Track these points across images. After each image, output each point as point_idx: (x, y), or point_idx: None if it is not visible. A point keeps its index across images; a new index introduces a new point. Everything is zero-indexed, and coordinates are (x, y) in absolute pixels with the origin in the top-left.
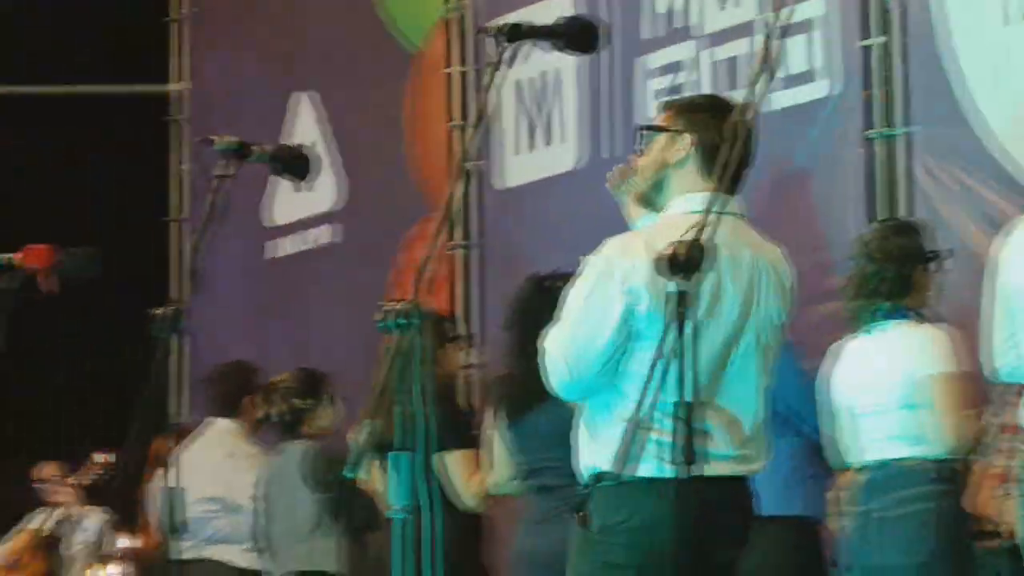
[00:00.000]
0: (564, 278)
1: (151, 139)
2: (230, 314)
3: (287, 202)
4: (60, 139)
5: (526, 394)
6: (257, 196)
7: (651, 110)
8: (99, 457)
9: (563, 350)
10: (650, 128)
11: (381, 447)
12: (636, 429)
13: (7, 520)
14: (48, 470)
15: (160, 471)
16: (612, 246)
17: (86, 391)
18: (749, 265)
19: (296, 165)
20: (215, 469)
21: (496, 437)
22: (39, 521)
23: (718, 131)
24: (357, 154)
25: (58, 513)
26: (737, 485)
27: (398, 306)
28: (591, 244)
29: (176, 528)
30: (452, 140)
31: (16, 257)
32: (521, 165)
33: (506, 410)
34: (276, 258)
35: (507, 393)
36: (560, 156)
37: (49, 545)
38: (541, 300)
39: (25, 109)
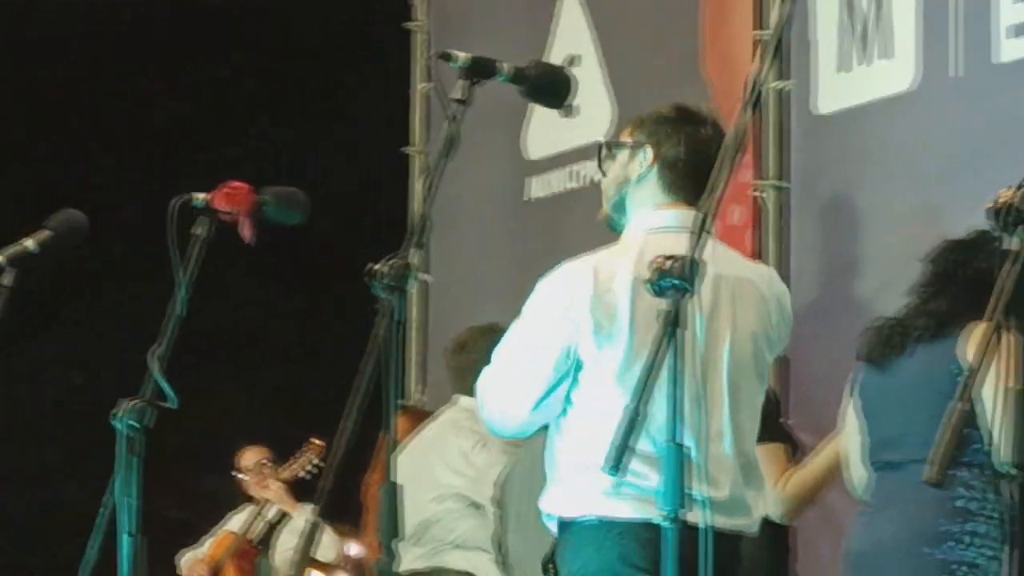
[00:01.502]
0: None
1: (392, 52)
2: (480, 267)
3: (549, 131)
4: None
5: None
6: (517, 123)
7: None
8: (316, 442)
9: (495, 385)
10: (609, 144)
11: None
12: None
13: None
14: (252, 457)
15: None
16: (557, 274)
17: (304, 363)
18: (712, 281)
19: (552, 87)
20: (460, 458)
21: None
22: (243, 522)
23: (682, 143)
24: (635, 72)
25: (265, 511)
26: (722, 541)
27: (676, 262)
28: (929, 180)
29: (398, 532)
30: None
31: (209, 198)
32: (842, 85)
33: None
34: (536, 199)
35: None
36: (892, 74)
37: (253, 551)
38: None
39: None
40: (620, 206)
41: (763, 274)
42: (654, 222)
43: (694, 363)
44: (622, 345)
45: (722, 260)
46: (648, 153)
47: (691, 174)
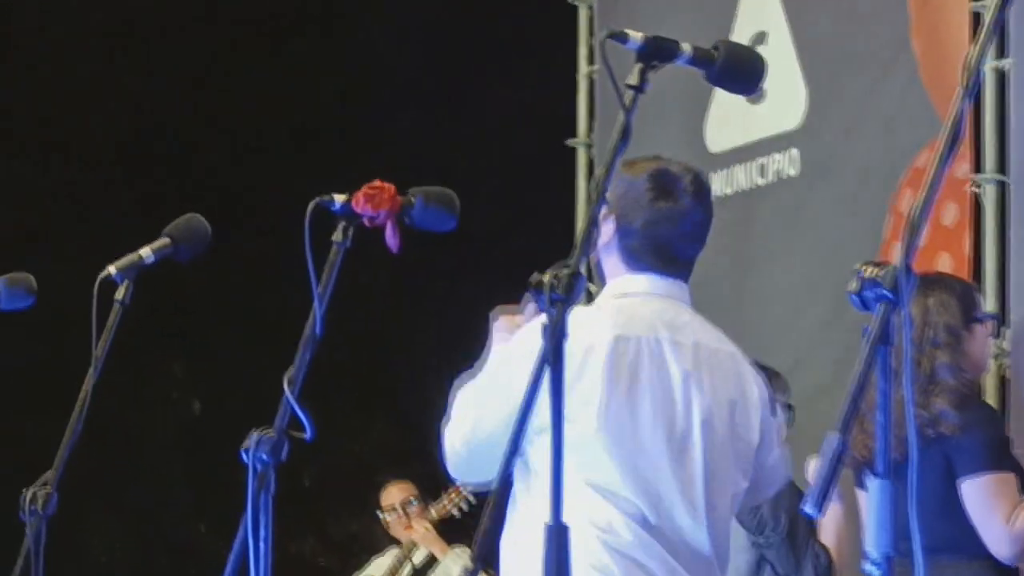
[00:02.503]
0: None
1: (553, 31)
2: None
3: (733, 120)
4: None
5: None
6: (698, 112)
7: None
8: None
9: (462, 415)
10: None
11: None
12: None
13: (348, 562)
14: (397, 494)
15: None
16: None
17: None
18: (692, 346)
19: (743, 70)
20: None
21: None
22: (387, 567)
23: (644, 221)
24: (831, 50)
25: (412, 555)
26: None
27: (881, 270)
28: None
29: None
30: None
31: (349, 200)
32: None
33: None
34: (719, 197)
35: None
36: None
37: None
38: None
39: None
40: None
41: (739, 353)
42: (625, 288)
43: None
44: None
45: (700, 329)
46: (610, 225)
47: (652, 251)
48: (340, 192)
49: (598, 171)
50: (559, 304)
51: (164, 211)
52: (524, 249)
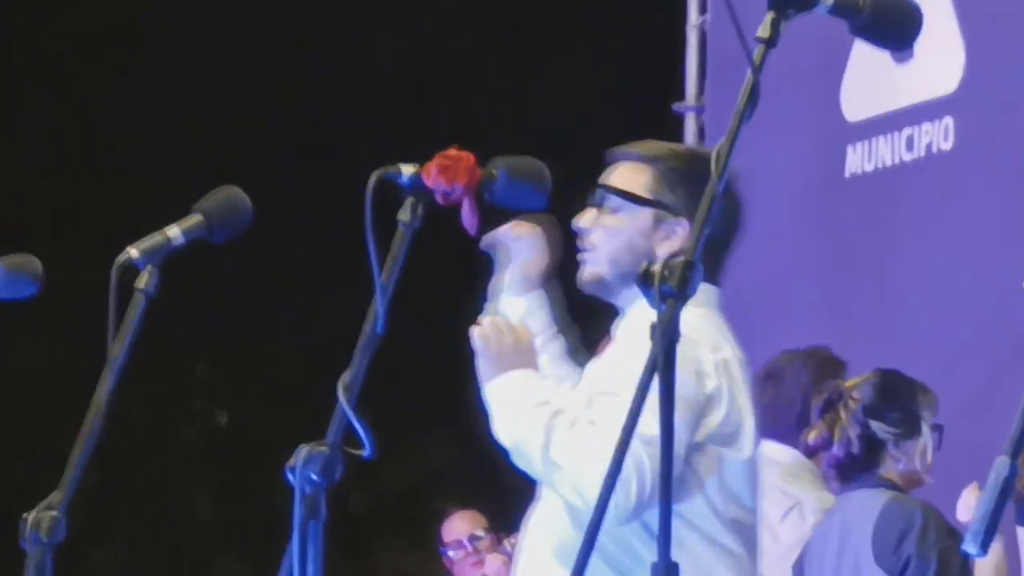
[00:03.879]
0: None
1: None
2: (783, 265)
3: (876, 83)
4: None
5: None
6: (834, 73)
7: None
8: None
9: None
10: (620, 193)
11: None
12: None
13: None
14: (462, 526)
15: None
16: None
17: None
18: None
19: (895, 22)
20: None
21: None
22: None
23: (731, 225)
24: (993, 2)
25: None
26: None
27: None
28: None
29: None
30: None
31: (419, 171)
32: None
33: None
34: (858, 174)
35: None
36: None
37: None
38: None
39: None
40: (631, 277)
41: None
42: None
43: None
44: None
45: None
46: (682, 230)
47: (714, 257)
48: (408, 162)
49: (721, 143)
50: (671, 300)
51: (200, 188)
52: None
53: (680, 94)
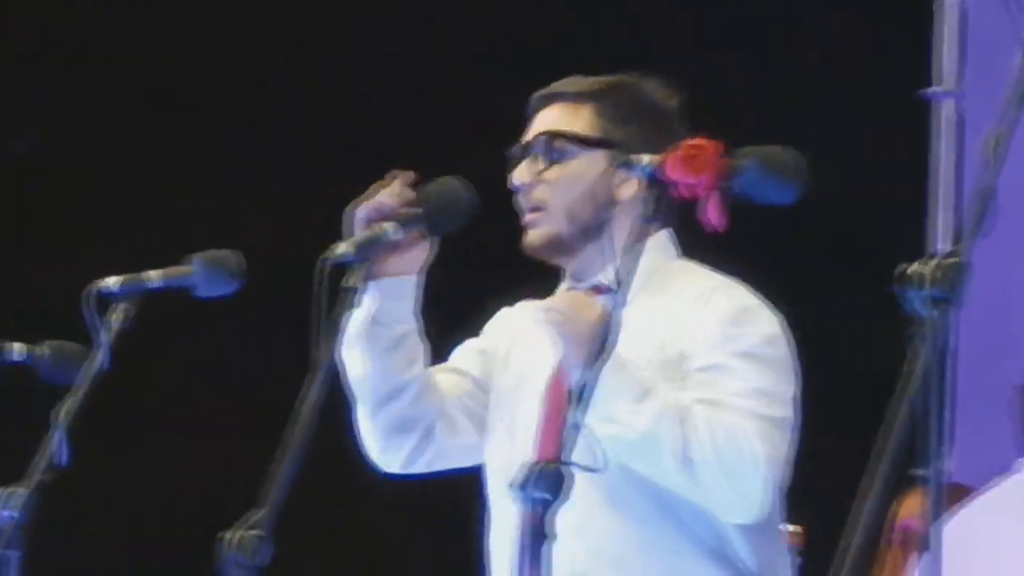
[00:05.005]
0: None
1: None
2: None
3: None
4: None
5: None
6: None
7: None
8: (792, 529)
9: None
10: (566, 137)
11: None
12: None
13: None
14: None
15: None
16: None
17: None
18: None
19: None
20: None
21: None
22: None
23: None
24: None
25: None
26: None
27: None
28: None
29: None
30: None
31: (660, 161)
32: None
33: None
34: None
35: None
36: None
37: None
38: None
39: None
40: (597, 227)
41: None
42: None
43: None
44: None
45: None
46: (642, 167)
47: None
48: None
49: (997, 128)
50: (942, 305)
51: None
52: (864, 234)
53: (925, 79)
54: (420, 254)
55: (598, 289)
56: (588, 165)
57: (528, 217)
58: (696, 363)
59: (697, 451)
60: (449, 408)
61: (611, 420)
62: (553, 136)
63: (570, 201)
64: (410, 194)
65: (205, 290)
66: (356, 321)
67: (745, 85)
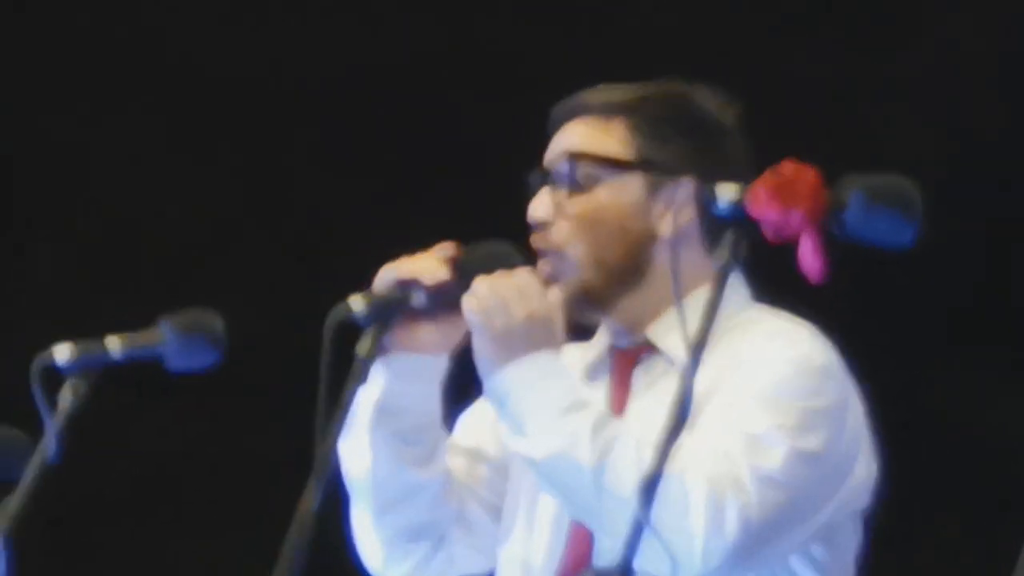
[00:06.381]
0: None
1: None
2: None
3: None
4: None
5: None
6: None
7: None
8: None
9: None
10: (591, 160)
11: None
12: None
13: None
14: None
15: None
16: (829, 350)
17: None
18: None
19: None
20: None
21: None
22: None
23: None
24: None
25: None
26: None
27: None
28: None
29: None
30: None
31: (745, 194)
32: None
33: None
34: None
35: None
36: None
37: None
38: None
39: None
40: (634, 271)
41: None
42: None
43: None
44: None
45: None
46: (687, 193)
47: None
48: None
49: None
50: None
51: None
52: (1002, 281)
53: None
54: (452, 331)
55: (645, 347)
56: (618, 194)
57: (542, 268)
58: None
59: (611, 477)
60: (467, 507)
61: (520, 433)
62: (576, 157)
63: (595, 241)
64: (444, 273)
65: (178, 361)
66: (363, 405)
67: (847, 92)
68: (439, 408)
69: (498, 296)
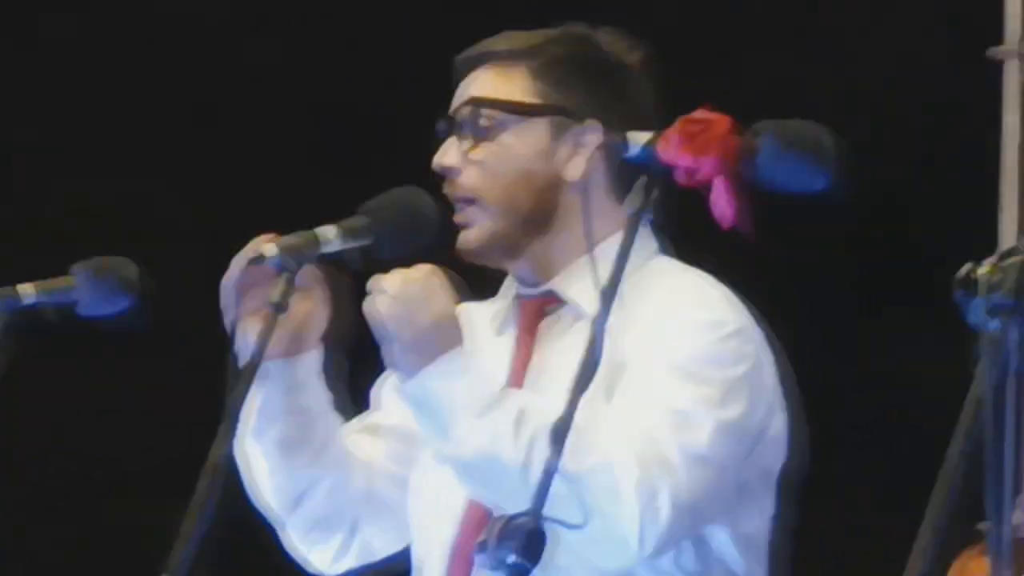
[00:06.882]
0: None
1: None
2: None
3: None
4: None
5: None
6: None
7: None
8: None
9: (689, 475)
10: (496, 105)
11: None
12: None
13: None
14: None
15: None
16: (740, 310)
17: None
18: None
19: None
20: None
21: None
22: None
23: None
24: None
25: None
26: None
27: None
28: None
29: None
30: None
31: (655, 141)
32: None
33: None
34: None
35: None
36: None
37: None
38: None
39: None
40: (542, 216)
41: None
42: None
43: None
44: None
45: None
46: (594, 136)
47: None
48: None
49: None
50: (1005, 315)
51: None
52: (918, 229)
53: (998, 36)
54: (316, 314)
55: (552, 299)
56: (524, 138)
57: (459, 214)
58: (621, 376)
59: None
60: (374, 486)
61: (444, 437)
62: (479, 104)
63: (503, 186)
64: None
65: (91, 307)
66: (246, 412)
67: (750, 34)
68: (323, 399)
69: (402, 304)
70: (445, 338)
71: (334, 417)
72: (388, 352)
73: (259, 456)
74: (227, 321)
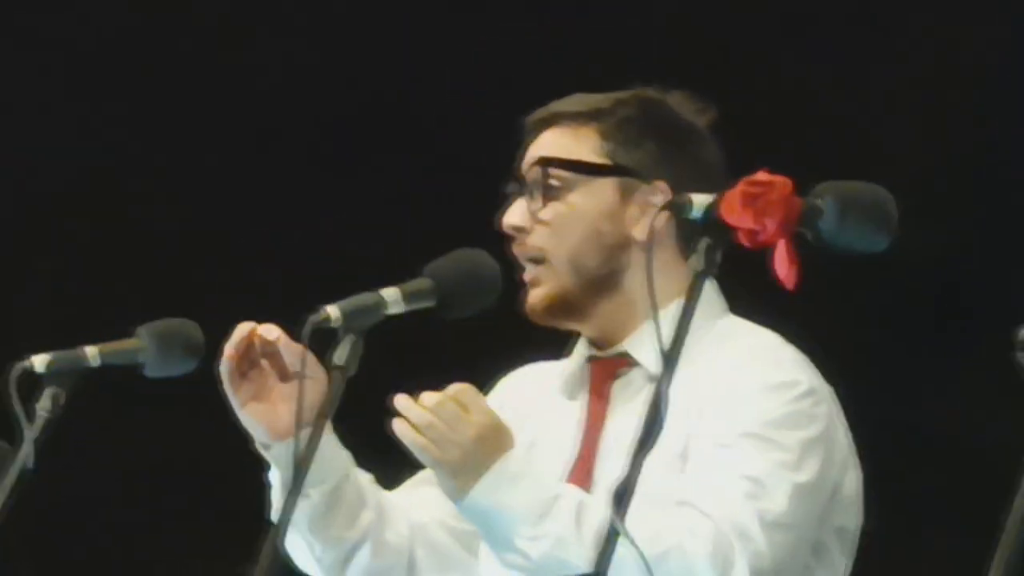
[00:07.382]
0: None
1: None
2: None
3: None
4: None
5: None
6: None
7: None
8: None
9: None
10: (565, 165)
11: None
12: None
13: None
14: None
15: None
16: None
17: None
18: None
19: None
20: None
21: None
22: None
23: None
24: None
25: None
26: None
27: None
28: None
29: None
30: None
31: (715, 203)
32: None
33: None
34: None
35: None
36: None
37: None
38: None
39: None
40: (610, 276)
41: None
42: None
43: None
44: None
45: None
46: (662, 197)
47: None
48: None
49: None
50: None
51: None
52: (978, 286)
53: None
54: (315, 390)
55: (624, 360)
56: (592, 198)
57: (527, 273)
58: (694, 444)
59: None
60: (431, 533)
61: (508, 548)
62: (548, 163)
63: (571, 246)
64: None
65: (157, 369)
66: (274, 491)
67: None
68: (342, 462)
69: (442, 423)
70: (490, 449)
71: (356, 474)
72: (438, 478)
73: (295, 535)
74: (234, 405)
